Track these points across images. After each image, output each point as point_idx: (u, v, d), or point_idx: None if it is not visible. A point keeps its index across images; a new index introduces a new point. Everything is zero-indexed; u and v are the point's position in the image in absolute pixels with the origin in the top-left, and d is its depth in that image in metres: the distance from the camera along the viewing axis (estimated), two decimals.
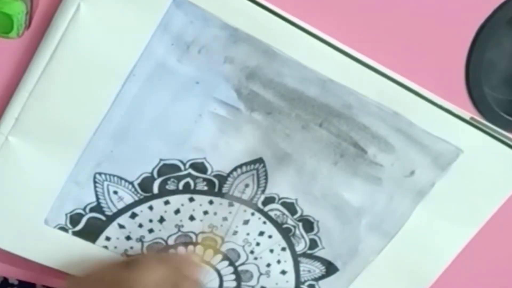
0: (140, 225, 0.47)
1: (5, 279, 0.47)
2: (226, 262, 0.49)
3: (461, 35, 0.42)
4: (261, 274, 0.50)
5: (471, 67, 0.42)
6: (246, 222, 0.48)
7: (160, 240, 0.48)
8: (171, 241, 0.48)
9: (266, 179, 0.46)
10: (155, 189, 0.46)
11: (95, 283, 0.44)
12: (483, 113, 0.44)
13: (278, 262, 0.49)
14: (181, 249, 0.45)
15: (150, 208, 0.46)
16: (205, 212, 0.47)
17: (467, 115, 0.44)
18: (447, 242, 0.49)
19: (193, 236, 0.48)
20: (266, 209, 0.47)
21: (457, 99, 0.44)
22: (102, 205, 0.46)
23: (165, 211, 0.47)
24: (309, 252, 0.49)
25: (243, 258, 0.49)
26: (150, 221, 0.47)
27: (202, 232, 0.47)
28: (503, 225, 0.48)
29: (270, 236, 0.48)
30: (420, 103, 0.44)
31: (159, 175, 0.45)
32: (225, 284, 0.50)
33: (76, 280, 0.45)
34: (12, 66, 0.41)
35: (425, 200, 0.47)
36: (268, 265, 0.49)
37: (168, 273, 0.43)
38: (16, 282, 0.48)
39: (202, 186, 0.46)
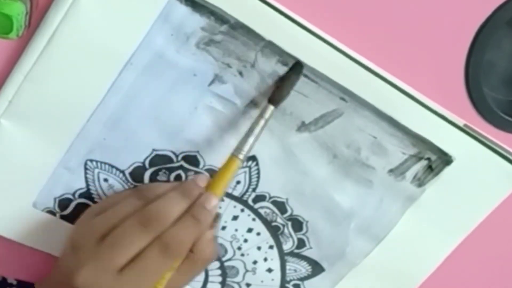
0: None
1: (4, 279, 0.47)
2: None
3: (460, 35, 0.42)
4: (247, 271, 0.50)
5: (471, 67, 0.42)
6: (235, 218, 0.48)
7: None
8: None
9: (258, 177, 0.46)
10: (146, 180, 0.46)
11: (114, 214, 0.41)
12: (482, 114, 0.44)
13: (265, 259, 0.49)
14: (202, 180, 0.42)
15: None
16: None
17: (460, 121, 0.44)
18: (434, 248, 0.49)
19: None
20: (256, 206, 0.47)
21: (456, 99, 0.44)
22: (92, 191, 0.45)
23: None
24: (296, 251, 0.49)
25: (230, 253, 0.49)
26: None
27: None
28: (490, 231, 0.49)
29: (258, 234, 0.48)
30: (415, 107, 0.44)
31: (151, 165, 0.45)
32: (210, 279, 0.50)
33: (94, 210, 0.43)
34: (12, 67, 0.41)
35: (415, 206, 0.47)
36: (255, 262, 0.49)
37: (187, 206, 0.41)
38: (14, 282, 0.47)
39: None
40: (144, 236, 0.40)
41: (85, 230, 0.42)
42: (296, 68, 0.42)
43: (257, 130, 0.42)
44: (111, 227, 0.40)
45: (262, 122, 0.42)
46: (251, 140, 0.42)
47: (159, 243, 0.40)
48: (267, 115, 0.42)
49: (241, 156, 0.42)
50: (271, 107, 0.42)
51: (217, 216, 0.43)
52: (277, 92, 0.42)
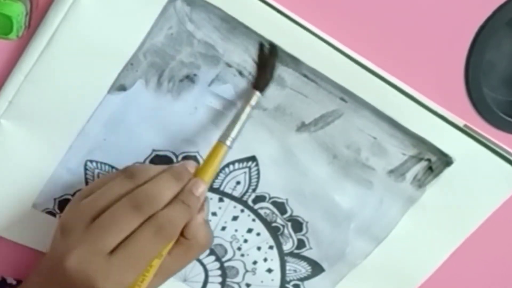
0: None
1: (3, 279, 0.47)
2: (213, 257, 0.49)
3: (460, 36, 0.42)
4: (247, 271, 0.50)
5: (471, 68, 0.42)
6: (235, 218, 0.48)
7: None
8: None
9: (258, 177, 0.46)
10: None
11: (104, 195, 0.40)
12: (482, 114, 0.44)
13: (265, 260, 0.49)
14: (191, 165, 0.42)
15: None
16: None
17: (460, 122, 0.44)
18: (434, 250, 0.49)
19: None
20: (256, 207, 0.47)
21: (456, 100, 0.44)
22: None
23: None
24: (296, 251, 0.49)
25: (230, 254, 0.49)
26: None
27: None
28: (490, 232, 0.49)
29: (258, 234, 0.48)
30: (415, 108, 0.44)
31: None
32: (210, 279, 0.50)
33: (83, 193, 0.42)
34: (12, 67, 0.41)
35: (415, 207, 0.47)
36: (255, 262, 0.49)
37: (179, 189, 0.41)
38: (14, 282, 0.47)
39: None
40: (136, 218, 0.39)
41: (74, 213, 0.41)
42: (273, 51, 0.42)
43: (243, 116, 0.42)
44: (101, 209, 0.40)
45: (248, 109, 0.42)
46: (237, 126, 0.42)
47: (150, 225, 0.39)
48: (253, 101, 0.42)
49: (228, 143, 0.42)
50: (257, 93, 0.42)
51: (205, 201, 0.43)
52: (260, 77, 0.42)
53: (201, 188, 0.41)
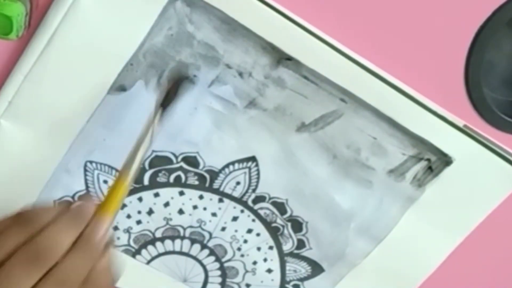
0: (128, 216, 0.47)
1: None
2: (213, 258, 0.49)
3: (460, 36, 0.42)
4: (246, 271, 0.50)
5: (471, 68, 0.42)
6: (235, 218, 0.48)
7: (148, 232, 0.48)
8: (158, 234, 0.48)
9: (258, 177, 0.46)
10: (146, 181, 0.46)
11: None
12: (482, 114, 0.44)
13: (265, 260, 0.49)
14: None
15: (140, 199, 0.46)
16: (195, 207, 0.47)
17: (460, 122, 0.44)
18: (434, 249, 0.49)
19: (181, 230, 0.48)
20: (256, 207, 0.47)
21: (456, 100, 0.44)
22: (91, 193, 0.45)
23: (155, 203, 0.47)
24: (296, 252, 0.49)
25: (229, 254, 0.49)
26: (139, 212, 0.47)
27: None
28: (490, 232, 0.49)
29: (258, 234, 0.48)
30: (414, 108, 0.44)
31: (151, 166, 0.45)
32: (210, 279, 0.50)
33: None
34: (12, 67, 0.41)
35: (415, 206, 0.47)
36: (255, 262, 0.49)
37: (78, 233, 0.36)
38: None
39: (193, 180, 0.46)
40: (33, 274, 0.35)
41: None
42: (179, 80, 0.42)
43: (145, 145, 0.39)
44: None
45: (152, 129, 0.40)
46: (138, 157, 0.39)
47: (50, 281, 0.35)
48: (156, 119, 0.41)
49: (129, 178, 0.38)
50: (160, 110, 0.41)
51: (110, 242, 0.38)
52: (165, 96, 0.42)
53: (103, 230, 0.37)
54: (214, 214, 0.47)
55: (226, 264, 0.49)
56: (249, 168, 0.46)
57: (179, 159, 0.45)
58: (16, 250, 0.36)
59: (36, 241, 0.36)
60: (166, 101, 0.41)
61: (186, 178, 0.46)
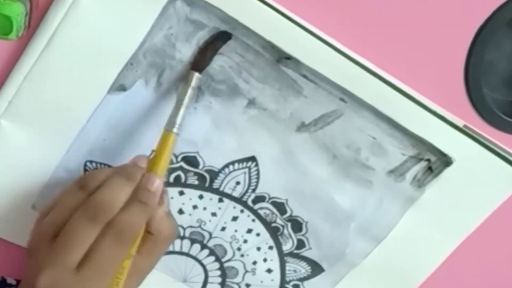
0: None
1: (3, 279, 0.47)
2: (213, 258, 0.49)
3: (460, 36, 0.42)
4: (246, 271, 0.50)
5: (471, 68, 0.42)
6: (235, 218, 0.48)
7: None
8: None
9: (258, 177, 0.46)
10: None
11: (60, 211, 0.40)
12: (482, 114, 0.44)
13: (265, 260, 0.49)
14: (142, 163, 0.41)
15: None
16: (194, 207, 0.47)
17: (460, 122, 0.44)
18: (434, 250, 0.49)
19: (181, 230, 0.48)
20: (255, 207, 0.47)
21: (456, 100, 0.44)
22: None
23: None
24: (296, 252, 0.49)
25: (229, 254, 0.49)
26: None
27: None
28: (490, 232, 0.49)
29: (258, 234, 0.48)
30: (414, 108, 0.44)
31: None
32: (210, 279, 0.50)
33: (43, 211, 0.42)
34: (12, 67, 0.41)
35: (415, 207, 0.47)
36: (254, 262, 0.49)
37: (132, 189, 0.40)
38: (14, 282, 0.47)
39: (193, 180, 0.46)
40: (94, 228, 0.39)
41: (37, 235, 0.41)
42: (223, 36, 0.41)
43: (186, 100, 0.41)
44: (60, 224, 0.39)
45: (190, 91, 0.41)
46: (181, 111, 0.41)
47: (110, 232, 0.39)
48: (193, 83, 0.41)
49: (174, 130, 0.41)
50: (196, 74, 0.41)
51: (164, 193, 0.42)
52: (199, 57, 0.42)
53: (156, 183, 0.41)
54: (214, 214, 0.47)
55: (226, 264, 0.49)
56: (249, 168, 0.46)
57: (179, 158, 0.45)
58: (77, 208, 0.39)
59: (92, 198, 0.39)
60: (201, 65, 0.42)
61: (186, 178, 0.46)
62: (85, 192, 0.40)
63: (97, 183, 0.40)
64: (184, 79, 0.42)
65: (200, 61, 0.42)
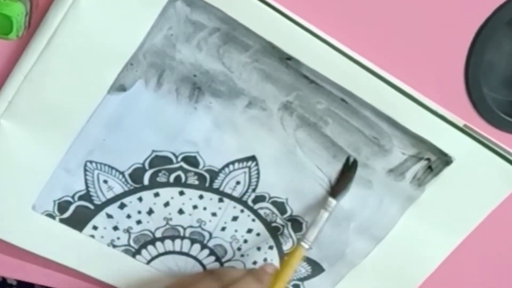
0: (128, 216, 0.47)
1: (4, 280, 0.47)
2: (213, 258, 0.49)
3: (460, 36, 0.42)
4: None
5: (471, 68, 0.42)
6: (235, 218, 0.48)
7: (148, 232, 0.48)
8: (158, 234, 0.48)
9: (258, 177, 0.46)
10: (146, 181, 0.46)
11: None
12: (482, 114, 0.44)
13: (265, 260, 0.49)
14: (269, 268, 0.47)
15: (140, 199, 0.46)
16: (195, 207, 0.47)
17: (460, 122, 0.45)
18: (434, 249, 0.49)
19: (181, 230, 0.48)
20: (256, 207, 0.47)
21: (456, 100, 0.44)
22: (91, 193, 0.45)
23: (155, 203, 0.47)
24: None
25: (229, 254, 0.49)
26: (139, 212, 0.47)
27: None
28: (490, 231, 0.49)
29: (258, 234, 0.48)
30: (414, 108, 0.44)
31: (151, 166, 0.45)
32: None
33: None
34: (12, 67, 0.41)
35: (415, 206, 0.47)
36: (255, 262, 0.49)
37: None
38: (14, 283, 0.47)
39: (193, 180, 0.46)
40: None
41: None
42: (355, 165, 0.45)
43: (320, 222, 0.46)
44: None
45: (325, 215, 0.46)
46: (315, 231, 0.46)
47: None
48: (330, 208, 0.46)
49: (305, 245, 0.46)
50: (333, 201, 0.46)
51: None
52: (337, 186, 0.46)
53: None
54: (214, 214, 0.47)
55: (226, 264, 0.49)
56: (249, 168, 0.46)
57: (179, 159, 0.45)
58: None
59: None
60: (339, 193, 0.46)
61: (186, 178, 0.46)
62: (220, 284, 0.46)
63: (230, 279, 0.46)
64: (322, 202, 0.47)
65: (339, 189, 0.46)
